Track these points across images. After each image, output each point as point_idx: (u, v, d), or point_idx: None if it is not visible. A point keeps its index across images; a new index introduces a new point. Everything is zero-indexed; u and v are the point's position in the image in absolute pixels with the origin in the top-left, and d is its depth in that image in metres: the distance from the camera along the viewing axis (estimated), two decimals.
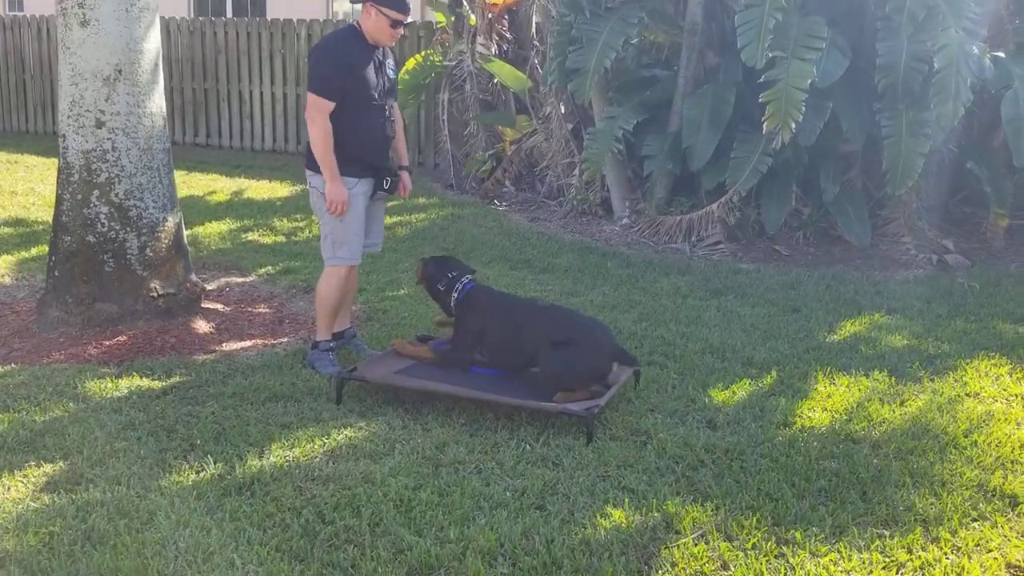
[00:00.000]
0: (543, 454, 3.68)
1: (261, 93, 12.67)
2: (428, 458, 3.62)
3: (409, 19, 4.46)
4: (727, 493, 3.39)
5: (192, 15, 16.48)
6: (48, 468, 3.49)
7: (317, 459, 3.60)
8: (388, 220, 8.28)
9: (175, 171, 10.75)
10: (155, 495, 3.30)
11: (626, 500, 3.32)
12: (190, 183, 10.26)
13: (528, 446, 3.75)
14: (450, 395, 4.11)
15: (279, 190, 9.86)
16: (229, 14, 16.86)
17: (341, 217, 4.41)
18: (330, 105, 4.32)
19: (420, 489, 3.36)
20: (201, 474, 3.47)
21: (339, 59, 4.36)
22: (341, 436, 3.80)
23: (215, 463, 3.54)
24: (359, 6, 4.43)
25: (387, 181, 4.56)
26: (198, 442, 3.72)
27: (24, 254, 6.81)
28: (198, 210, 8.72)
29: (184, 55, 13.05)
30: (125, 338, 4.91)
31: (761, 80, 7.13)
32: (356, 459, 3.60)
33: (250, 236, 7.74)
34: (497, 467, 3.56)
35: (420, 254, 7.16)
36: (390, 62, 4.61)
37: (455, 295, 4.44)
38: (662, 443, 3.79)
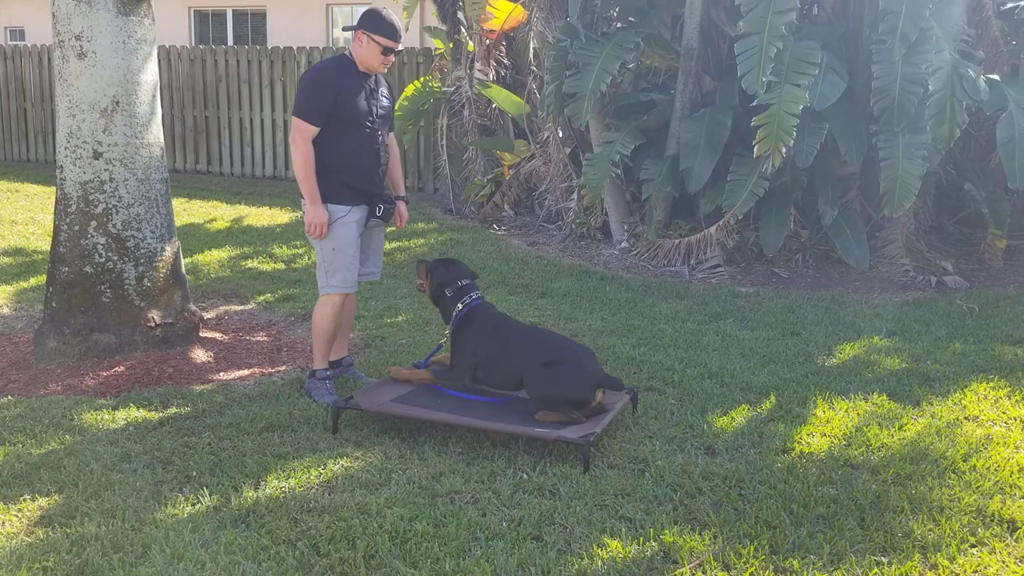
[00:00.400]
0: (540, 483, 3.67)
1: (262, 120, 12.75)
2: (424, 488, 3.60)
3: (400, 47, 4.49)
4: (725, 521, 3.37)
5: (193, 44, 16.59)
6: (43, 501, 3.47)
7: (313, 490, 3.58)
8: (387, 246, 8.33)
9: (176, 199, 10.86)
10: (150, 528, 3.28)
11: (623, 530, 3.30)
12: (191, 210, 10.30)
13: (525, 475, 3.74)
14: (447, 423, 4.10)
15: (279, 216, 9.89)
16: (230, 43, 16.97)
17: (334, 245, 4.42)
18: (313, 130, 4.35)
19: (416, 520, 3.34)
20: (196, 506, 3.45)
21: (327, 85, 4.39)
22: (337, 466, 3.79)
23: (211, 495, 3.53)
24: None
25: (380, 208, 4.55)
26: (194, 474, 3.71)
27: (23, 284, 6.83)
28: (198, 238, 8.74)
29: (185, 83, 13.15)
30: (123, 369, 4.91)
31: (754, 104, 7.17)
32: (352, 490, 3.58)
33: (250, 263, 7.76)
34: (494, 497, 3.54)
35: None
36: (383, 90, 4.63)
37: (460, 306, 4.38)
38: (660, 471, 3.78)
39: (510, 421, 4.04)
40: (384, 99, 4.62)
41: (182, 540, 3.18)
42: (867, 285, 7.32)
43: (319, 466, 3.78)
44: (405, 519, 3.34)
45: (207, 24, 17.59)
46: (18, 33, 18.86)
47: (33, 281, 6.87)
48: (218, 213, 10.15)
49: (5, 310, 6.24)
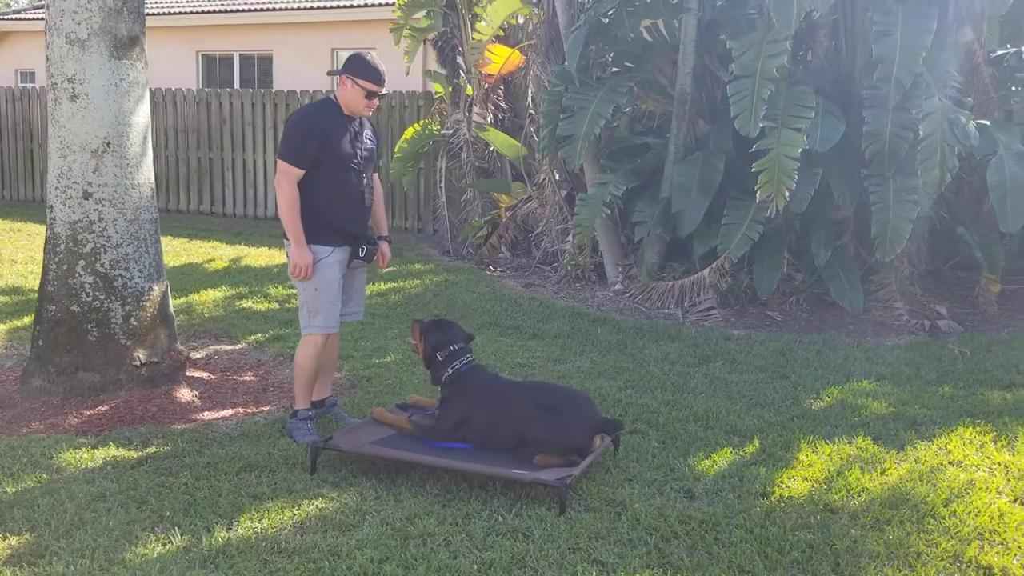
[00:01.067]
0: (514, 525, 3.64)
1: (265, 162, 12.88)
2: (397, 530, 3.58)
3: (384, 90, 4.55)
4: (698, 566, 3.34)
5: (200, 87, 16.83)
6: (13, 540, 3.46)
7: (285, 531, 3.57)
8: (382, 286, 8.37)
9: (177, 239, 10.95)
10: (118, 568, 3.27)
11: (595, 573, 3.27)
12: (190, 250, 10.38)
13: (500, 517, 3.71)
14: (425, 464, 4.08)
15: (277, 257, 9.94)
16: (237, 86, 17.22)
17: (316, 286, 4.44)
18: (298, 172, 4.41)
19: (386, 562, 3.32)
20: (167, 546, 3.44)
21: (311, 128, 4.45)
22: (312, 507, 3.78)
23: (182, 535, 3.51)
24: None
25: (363, 249, 4.58)
26: (167, 513, 3.70)
27: (16, 323, 6.86)
28: (195, 277, 8.79)
29: (190, 125, 13.32)
30: (106, 407, 4.92)
31: (753, 149, 7.21)
32: (324, 531, 3.56)
33: (244, 303, 7.79)
34: (467, 539, 3.52)
35: (410, 320, 7.22)
36: (368, 132, 4.69)
37: (450, 371, 4.36)
38: (637, 514, 3.75)
39: (488, 463, 4.02)
40: (368, 141, 4.67)
41: None
42: (860, 329, 7.29)
43: (293, 507, 3.77)
44: (375, 561, 3.32)
45: (215, 67, 17.86)
46: (28, 75, 19.17)
47: (27, 320, 6.89)
48: (217, 253, 10.22)
49: None
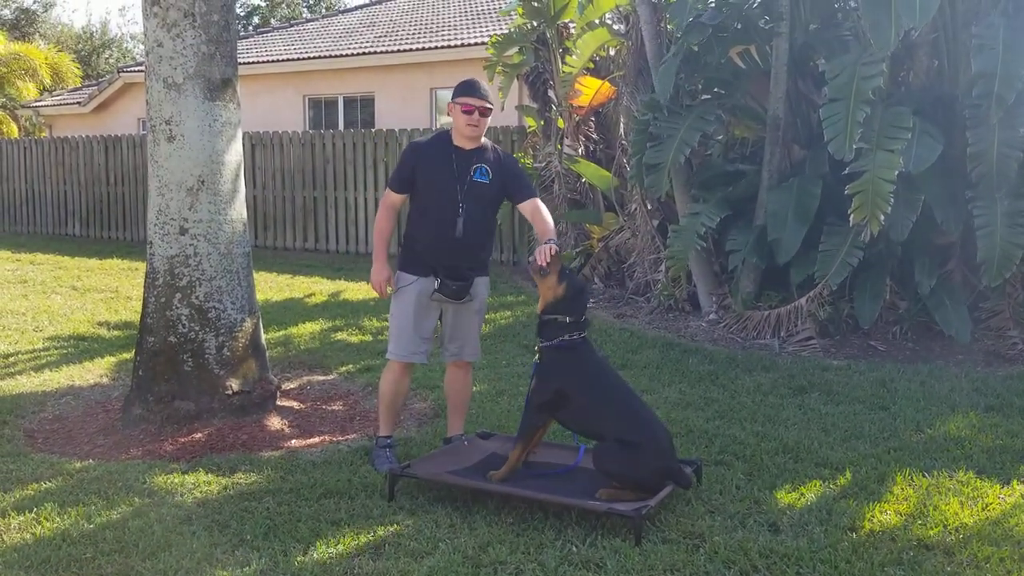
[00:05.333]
0: (588, 556, 3.57)
1: (366, 199, 13.23)
2: (469, 557, 3.56)
3: (486, 104, 4.41)
4: None
5: (305, 128, 17.46)
6: (103, 561, 3.60)
7: (359, 556, 3.60)
8: None
9: (280, 275, 11.31)
10: None
11: None
12: (293, 286, 10.70)
13: (574, 547, 3.65)
14: (500, 494, 4.06)
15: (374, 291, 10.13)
16: (341, 127, 17.79)
17: (393, 311, 4.59)
18: (395, 197, 4.58)
19: None
20: (245, 569, 3.51)
21: (409, 155, 4.57)
22: (387, 533, 3.80)
23: (260, 559, 3.58)
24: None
25: (439, 282, 4.45)
26: (248, 537, 3.78)
27: (126, 356, 7.20)
28: (295, 311, 9.05)
29: (296, 166, 13.82)
30: (200, 435, 5.09)
31: (846, 172, 6.99)
32: (397, 557, 3.58)
33: (339, 335, 7.97)
34: (538, 568, 3.47)
35: (498, 352, 7.25)
36: (483, 168, 4.49)
37: (567, 336, 4.11)
38: (715, 547, 3.63)
39: (563, 493, 3.97)
40: (479, 175, 4.49)
41: None
42: (970, 358, 6.93)
43: (369, 532, 3.80)
44: None
45: (320, 110, 18.50)
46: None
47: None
48: (317, 288, 10.50)
49: (105, 379, 6.59)
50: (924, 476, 4.36)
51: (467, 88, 4.47)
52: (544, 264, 4.08)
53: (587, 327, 4.20)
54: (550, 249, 4.10)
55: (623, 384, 4.29)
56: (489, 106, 4.46)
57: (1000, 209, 6.82)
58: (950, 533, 3.74)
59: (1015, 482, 4.28)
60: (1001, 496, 4.11)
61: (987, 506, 4.00)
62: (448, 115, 4.61)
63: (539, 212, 4.46)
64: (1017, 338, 7.07)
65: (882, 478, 4.38)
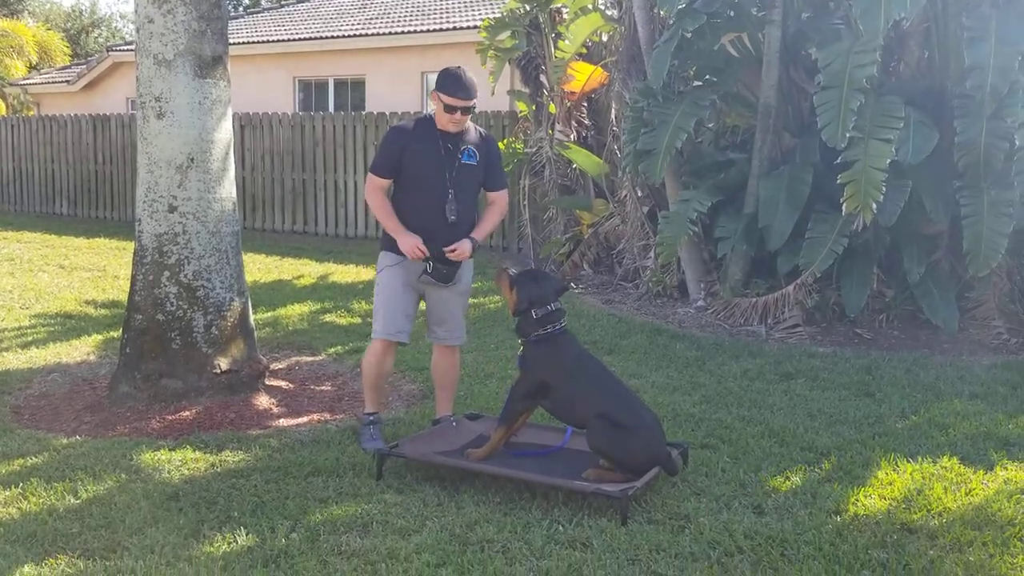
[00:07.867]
0: (574, 535, 3.60)
1: (355, 182, 13.17)
2: (456, 536, 3.58)
3: (469, 103, 4.37)
4: None
5: (296, 111, 17.37)
6: (89, 536, 3.60)
7: (347, 533, 3.61)
8: None
9: (269, 256, 11.28)
10: (184, 565, 3.36)
11: None
12: (281, 268, 10.68)
13: (560, 527, 3.67)
14: (488, 473, 4.08)
15: (364, 274, 10.13)
16: (331, 109, 17.71)
17: (377, 290, 4.60)
18: (380, 181, 4.54)
19: (442, 567, 3.32)
20: (232, 546, 3.51)
21: (394, 140, 4.55)
22: (374, 511, 3.81)
23: (247, 535, 3.59)
24: None
25: (430, 265, 4.42)
26: (235, 514, 3.79)
27: (113, 334, 7.18)
28: (284, 293, 9.04)
29: (285, 148, 13.73)
30: (188, 413, 5.08)
31: (838, 161, 7.01)
32: (385, 534, 3.59)
33: (328, 317, 7.96)
34: (525, 547, 3.49)
35: (487, 336, 7.26)
36: (469, 149, 4.51)
37: (542, 330, 4.17)
38: (701, 528, 3.66)
39: (551, 473, 3.99)
40: (466, 157, 4.49)
41: None
42: (956, 347, 6.99)
43: (357, 510, 3.81)
44: (431, 565, 3.33)
45: (310, 92, 18.40)
46: None
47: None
48: (306, 270, 10.48)
49: (92, 357, 6.57)
50: (908, 461, 4.40)
51: (451, 85, 4.34)
52: (510, 297, 4.31)
53: (560, 317, 4.23)
54: (461, 250, 4.44)
55: (607, 372, 4.34)
56: (473, 104, 4.42)
57: (986, 199, 6.86)
58: (933, 517, 3.77)
59: (998, 468, 4.32)
60: (984, 481, 4.15)
61: (970, 491, 4.04)
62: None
63: (494, 207, 4.67)
64: (1002, 328, 7.13)
65: (867, 463, 4.41)
